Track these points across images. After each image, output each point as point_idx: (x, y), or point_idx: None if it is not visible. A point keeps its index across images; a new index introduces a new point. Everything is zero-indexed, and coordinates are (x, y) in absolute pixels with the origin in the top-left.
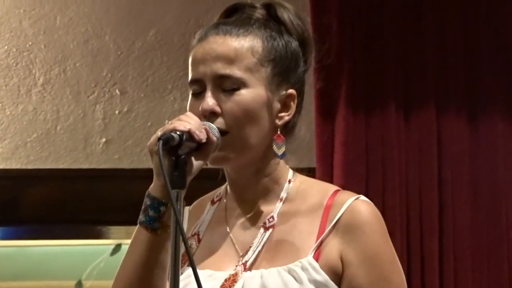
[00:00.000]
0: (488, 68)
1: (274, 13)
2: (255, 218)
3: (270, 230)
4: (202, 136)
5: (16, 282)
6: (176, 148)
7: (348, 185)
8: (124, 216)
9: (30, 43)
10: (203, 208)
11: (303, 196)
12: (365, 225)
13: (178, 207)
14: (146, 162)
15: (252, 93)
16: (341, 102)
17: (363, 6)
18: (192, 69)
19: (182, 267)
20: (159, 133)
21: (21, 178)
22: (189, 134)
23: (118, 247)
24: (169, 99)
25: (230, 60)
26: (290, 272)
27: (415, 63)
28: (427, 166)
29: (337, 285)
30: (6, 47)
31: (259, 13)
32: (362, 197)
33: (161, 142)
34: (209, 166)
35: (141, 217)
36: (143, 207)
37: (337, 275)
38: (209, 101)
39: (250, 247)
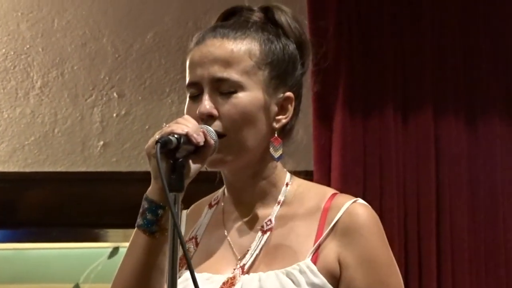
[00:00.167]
0: (487, 70)
1: (272, 16)
2: (252, 221)
3: (268, 233)
4: (200, 139)
5: (13, 285)
6: (174, 151)
7: (345, 188)
8: (122, 219)
9: (27, 46)
10: (200, 212)
11: (301, 199)
12: (363, 228)
13: (176, 210)
14: (144, 165)
15: (249, 96)
16: (339, 105)
17: (360, 9)
18: (190, 72)
19: (180, 270)
20: (157, 136)
21: (18, 181)
22: (187, 137)
23: (115, 250)
24: (167, 102)
25: (227, 63)
26: (288, 275)
27: (413, 65)
28: (425, 169)
29: None
30: (3, 50)
31: (257, 16)
32: (360, 200)
33: (159, 145)
34: (207, 169)
35: (139, 220)
36: (141, 210)
37: (335, 278)
38: (207, 104)
39: (248, 250)
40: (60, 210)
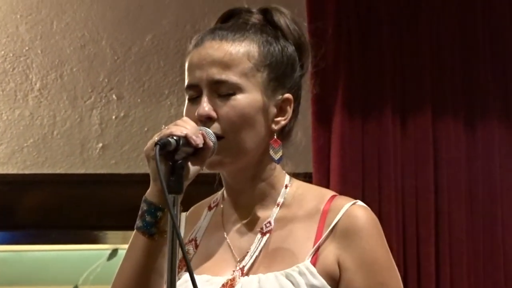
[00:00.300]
0: (485, 73)
1: (271, 18)
2: (252, 223)
3: (267, 235)
4: (199, 141)
5: (12, 287)
6: (173, 153)
7: (344, 190)
8: (121, 221)
9: (26, 48)
10: (200, 214)
11: (300, 201)
12: (362, 230)
13: (175, 212)
14: (143, 167)
15: (248, 98)
16: (338, 107)
17: (359, 10)
18: (189, 74)
19: (179, 272)
20: (155, 138)
21: (17, 183)
22: (186, 139)
23: (114, 252)
24: (166, 104)
25: (226, 65)
26: (287, 276)
27: (412, 67)
28: (423, 171)
29: None
30: (2, 52)
31: (256, 18)
32: (359, 202)
33: (157, 147)
34: (206, 171)
35: (138, 222)
36: (140, 212)
37: (334, 280)
38: (205, 106)
39: (248, 252)
40: (59, 212)
